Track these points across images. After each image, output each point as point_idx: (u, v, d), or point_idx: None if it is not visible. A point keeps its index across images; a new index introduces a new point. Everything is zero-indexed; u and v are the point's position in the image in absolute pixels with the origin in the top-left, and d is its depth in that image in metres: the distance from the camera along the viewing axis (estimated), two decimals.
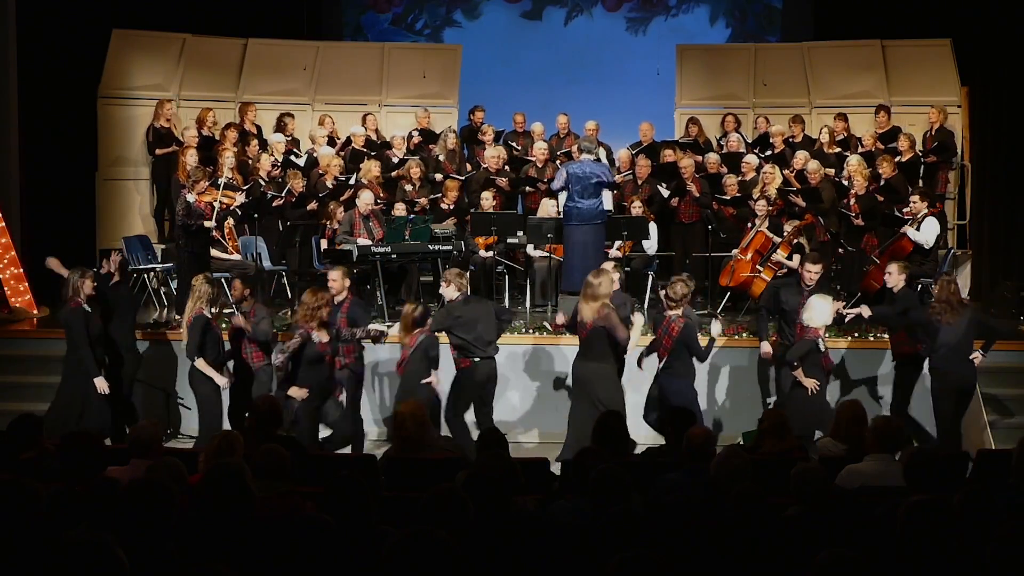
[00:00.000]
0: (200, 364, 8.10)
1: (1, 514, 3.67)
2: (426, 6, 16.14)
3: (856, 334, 9.53)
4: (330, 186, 11.27)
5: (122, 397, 8.74)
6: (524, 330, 9.82)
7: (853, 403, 6.66)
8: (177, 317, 9.91)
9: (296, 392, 7.87)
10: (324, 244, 10.91)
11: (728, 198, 11.20)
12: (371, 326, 8.40)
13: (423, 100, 13.52)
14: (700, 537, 4.18)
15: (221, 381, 8.16)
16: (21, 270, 10.70)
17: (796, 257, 10.04)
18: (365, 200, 10.51)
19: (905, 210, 10.49)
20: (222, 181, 10.50)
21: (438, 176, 12.02)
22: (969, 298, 11.92)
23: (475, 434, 7.86)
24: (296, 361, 7.89)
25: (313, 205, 11.24)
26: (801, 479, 4.76)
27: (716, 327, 8.40)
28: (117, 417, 8.56)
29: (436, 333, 8.24)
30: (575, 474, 5.17)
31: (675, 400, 7.82)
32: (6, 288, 10.61)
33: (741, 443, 8.14)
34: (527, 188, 12.14)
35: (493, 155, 12.07)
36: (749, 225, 10.73)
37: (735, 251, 10.62)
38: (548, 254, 10.76)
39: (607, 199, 10.42)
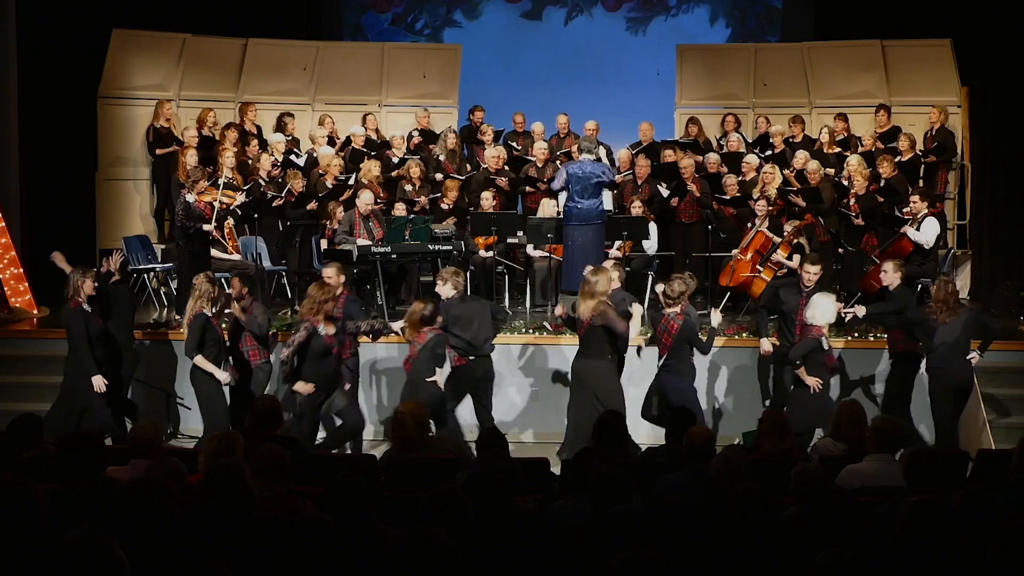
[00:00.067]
0: (199, 361, 8.10)
1: (1, 514, 3.67)
2: (426, 6, 16.14)
3: (856, 334, 9.53)
4: (330, 186, 11.27)
5: (122, 396, 8.75)
6: (524, 330, 9.82)
7: (852, 403, 6.66)
8: (177, 317, 9.92)
9: (302, 387, 7.86)
10: (324, 244, 10.91)
11: (728, 198, 11.20)
12: (374, 321, 8.44)
13: (423, 100, 13.53)
14: (700, 537, 4.18)
15: (222, 376, 8.16)
16: (21, 270, 10.70)
17: (796, 257, 10.04)
18: (365, 200, 10.51)
19: (905, 210, 10.50)
20: (222, 181, 10.50)
21: (438, 176, 12.03)
22: (969, 298, 11.95)
23: (475, 434, 7.86)
24: (301, 355, 7.88)
25: (313, 205, 11.24)
26: (801, 479, 4.76)
27: (716, 317, 8.41)
28: (119, 416, 8.57)
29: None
30: (575, 474, 5.17)
31: (675, 399, 7.83)
32: (6, 288, 10.61)
33: (741, 443, 8.15)
34: (527, 188, 12.14)
35: (493, 155, 12.07)
36: (749, 225, 10.73)
37: (735, 251, 10.62)
38: (548, 254, 10.76)
39: (607, 199, 10.43)
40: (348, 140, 12.55)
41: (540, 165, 12.15)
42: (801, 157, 11.44)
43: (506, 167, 12.15)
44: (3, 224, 10.62)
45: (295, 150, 12.45)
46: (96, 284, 8.38)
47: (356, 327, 8.31)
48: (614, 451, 5.89)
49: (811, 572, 3.52)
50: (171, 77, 13.07)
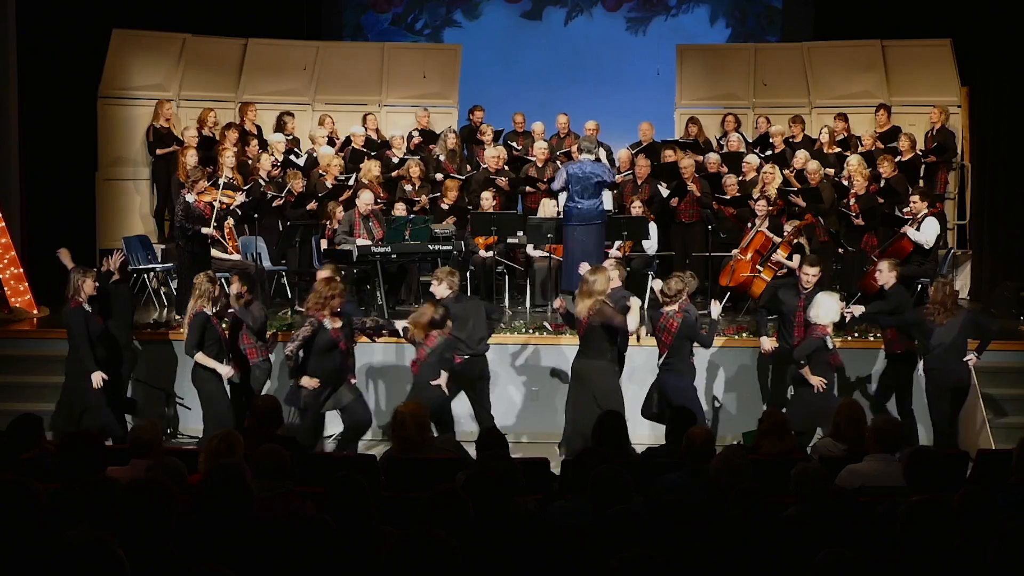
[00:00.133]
0: (200, 358, 8.11)
1: (1, 514, 3.67)
2: (426, 6, 16.14)
3: (856, 334, 9.53)
4: (330, 186, 11.27)
5: (122, 395, 8.76)
6: (524, 330, 9.82)
7: (852, 403, 6.67)
8: (178, 317, 9.92)
9: (307, 382, 7.84)
10: (324, 244, 10.92)
11: (728, 198, 11.20)
12: (379, 319, 8.44)
13: (423, 100, 13.52)
14: (700, 537, 4.18)
15: (224, 371, 8.17)
16: (21, 270, 10.70)
17: (796, 257, 10.04)
18: (365, 200, 10.51)
19: (905, 210, 10.50)
20: (222, 181, 10.50)
21: (438, 176, 12.03)
22: (969, 298, 11.95)
23: (475, 435, 7.86)
24: (307, 350, 7.87)
25: (313, 205, 11.24)
26: (801, 479, 4.76)
27: (716, 309, 8.41)
28: (119, 415, 8.58)
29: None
30: (575, 474, 5.17)
31: (675, 398, 7.84)
32: (6, 288, 10.61)
33: (741, 443, 8.15)
34: (527, 188, 12.14)
35: (493, 155, 12.07)
36: (749, 225, 10.73)
37: (735, 251, 10.62)
38: (548, 254, 10.76)
39: (607, 199, 10.43)
40: (348, 140, 12.55)
41: (540, 165, 12.15)
42: (801, 157, 11.44)
43: (506, 167, 12.15)
44: (3, 224, 10.61)
45: (295, 149, 12.45)
46: (97, 284, 8.39)
47: (362, 323, 8.32)
48: (614, 451, 5.89)
49: (811, 572, 3.52)
50: (171, 77, 13.06)
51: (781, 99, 13.42)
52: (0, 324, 10.27)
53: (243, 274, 8.88)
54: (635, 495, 4.75)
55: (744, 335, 9.61)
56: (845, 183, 11.07)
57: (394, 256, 10.20)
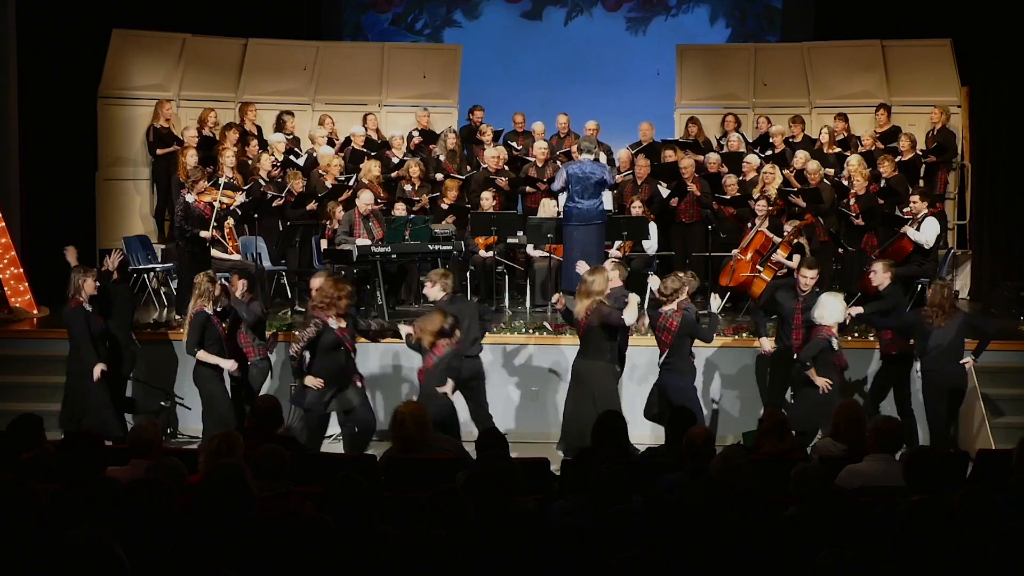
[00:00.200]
0: (202, 355, 8.12)
1: (1, 514, 3.67)
2: (426, 6, 16.14)
3: (856, 334, 9.53)
4: (329, 186, 11.27)
5: (122, 395, 8.76)
6: (524, 330, 9.82)
7: (852, 403, 6.68)
8: (178, 317, 9.93)
9: (312, 382, 7.81)
10: (324, 244, 10.92)
11: (728, 198, 11.20)
12: (383, 321, 8.43)
13: (423, 100, 13.53)
14: (700, 537, 4.18)
15: (228, 364, 8.18)
16: (21, 270, 10.70)
17: (796, 257, 10.05)
18: (365, 200, 10.51)
19: (905, 210, 10.50)
20: (222, 181, 10.50)
21: (438, 176, 12.03)
22: (969, 298, 11.96)
23: (474, 435, 7.85)
24: (312, 351, 7.84)
25: (313, 205, 11.24)
26: (801, 479, 4.76)
27: (715, 302, 8.42)
28: (120, 415, 8.59)
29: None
30: (575, 474, 5.17)
31: (675, 397, 7.85)
32: (6, 288, 10.61)
33: (741, 443, 8.15)
34: (527, 188, 12.14)
35: (493, 155, 12.07)
36: (749, 225, 10.73)
37: (735, 251, 10.62)
38: (548, 254, 10.76)
39: (607, 199, 10.43)
40: (348, 140, 12.55)
41: (540, 165, 12.15)
42: (801, 157, 11.44)
43: (506, 167, 12.15)
44: (3, 224, 10.62)
45: (295, 149, 12.45)
46: (98, 283, 8.40)
47: (367, 325, 8.28)
48: (614, 451, 5.89)
49: (811, 572, 3.52)
50: (171, 77, 13.06)
51: (781, 99, 13.42)
52: (0, 324, 10.27)
53: (244, 274, 8.87)
54: (635, 495, 4.74)
55: (744, 335, 9.60)
56: (845, 183, 11.07)
57: (394, 256, 10.20)
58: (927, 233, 10.13)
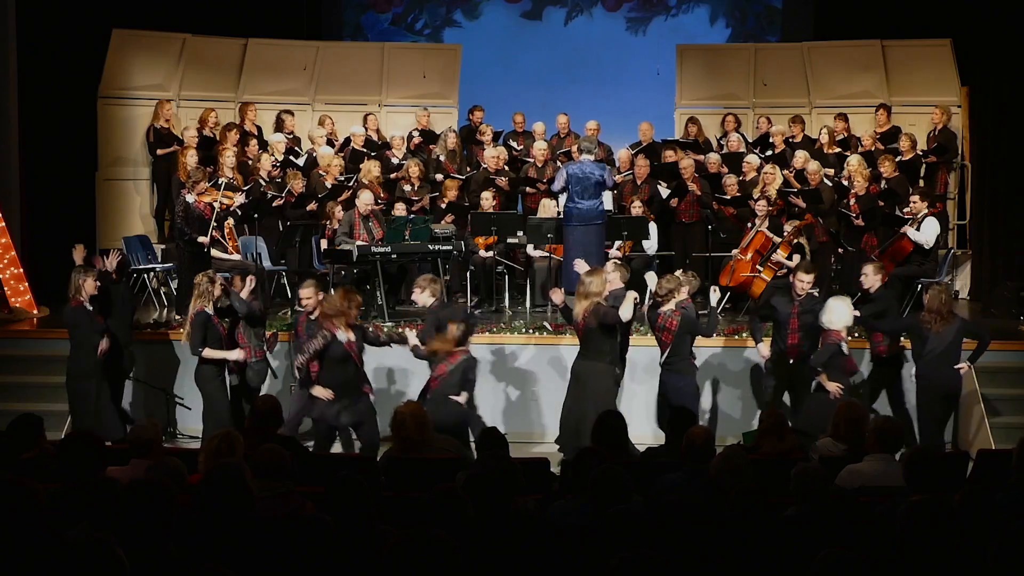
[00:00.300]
0: (207, 353, 8.12)
1: (1, 514, 3.67)
2: (426, 6, 16.14)
3: (856, 334, 9.52)
4: (329, 186, 11.27)
5: (121, 395, 8.78)
6: (524, 330, 9.82)
7: (852, 403, 6.67)
8: (178, 317, 9.93)
9: (320, 392, 7.68)
10: (324, 244, 10.92)
11: (728, 198, 11.20)
12: (393, 332, 8.39)
13: (423, 100, 13.53)
14: (700, 537, 4.18)
15: (233, 355, 8.18)
16: (21, 270, 10.70)
17: (796, 257, 10.05)
18: (364, 200, 10.50)
19: (905, 210, 10.50)
20: (222, 181, 10.50)
21: (438, 176, 12.03)
22: (969, 298, 11.96)
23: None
24: (320, 361, 7.72)
25: (313, 206, 11.24)
26: (801, 479, 4.76)
27: (715, 296, 8.43)
28: (120, 415, 8.60)
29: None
30: (575, 474, 5.17)
31: (675, 398, 7.86)
32: (6, 288, 10.60)
33: (741, 443, 8.15)
34: (527, 188, 12.14)
35: (493, 155, 12.07)
36: (749, 225, 10.73)
37: (735, 251, 10.62)
38: (548, 254, 10.76)
39: (607, 199, 10.43)
40: (348, 140, 12.55)
41: (540, 165, 12.15)
42: (801, 157, 11.43)
43: (506, 167, 12.15)
44: (3, 224, 10.61)
45: (296, 148, 12.45)
46: (99, 283, 8.40)
47: (375, 335, 8.17)
48: (614, 451, 5.89)
49: (811, 572, 3.52)
50: (171, 77, 13.06)
51: (781, 99, 13.42)
52: (0, 324, 10.27)
53: (245, 273, 8.88)
54: (635, 495, 4.74)
55: (744, 335, 9.60)
56: (845, 183, 11.07)
57: (394, 256, 10.20)
58: (927, 233, 10.13)
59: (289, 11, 14.81)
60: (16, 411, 6.60)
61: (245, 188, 11.13)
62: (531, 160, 12.33)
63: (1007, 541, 3.69)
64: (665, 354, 8.08)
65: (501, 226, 10.75)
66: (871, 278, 8.60)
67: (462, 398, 7.87)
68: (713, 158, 11.90)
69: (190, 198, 10.06)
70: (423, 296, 8.32)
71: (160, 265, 11.66)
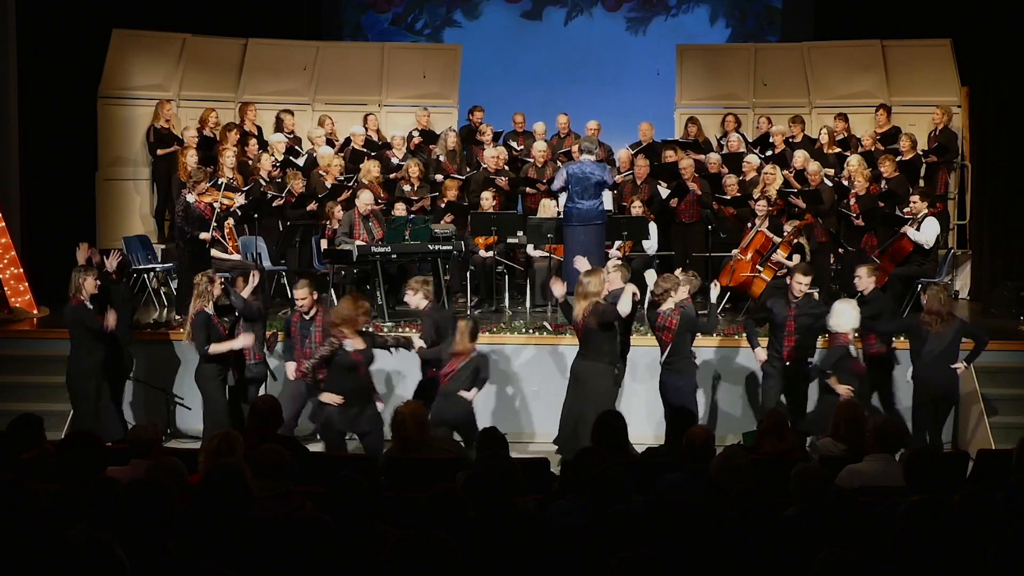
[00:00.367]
0: (214, 348, 8.12)
1: (1, 514, 3.67)
2: (426, 6, 16.14)
3: (856, 334, 9.52)
4: (329, 186, 11.27)
5: (121, 395, 8.78)
6: (524, 330, 9.82)
7: (852, 403, 6.68)
8: (178, 317, 9.93)
9: (329, 398, 7.59)
10: (324, 244, 10.92)
11: (728, 198, 11.20)
12: (400, 336, 8.40)
13: (423, 100, 13.53)
14: (700, 537, 4.18)
15: (240, 342, 8.19)
16: (21, 270, 10.69)
17: (796, 257, 10.04)
18: (364, 200, 10.51)
19: (905, 210, 10.50)
20: (222, 182, 10.50)
21: (438, 177, 12.03)
22: (969, 298, 11.96)
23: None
24: (327, 368, 7.68)
25: (313, 206, 11.24)
26: (801, 479, 4.76)
27: (715, 292, 8.43)
28: (120, 415, 8.60)
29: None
30: (575, 474, 5.17)
31: (674, 398, 7.85)
32: (6, 288, 10.60)
33: (741, 443, 8.15)
34: (527, 188, 12.14)
35: (493, 155, 12.07)
36: (749, 225, 10.73)
37: (735, 251, 10.62)
38: (548, 254, 10.76)
39: (607, 199, 10.43)
40: (348, 140, 12.55)
41: (540, 165, 12.15)
42: (801, 157, 11.43)
43: (506, 167, 12.15)
44: (3, 224, 10.61)
45: (296, 148, 12.45)
46: (99, 282, 8.41)
47: (383, 341, 8.12)
48: (614, 451, 5.89)
49: (811, 572, 3.52)
50: (171, 77, 13.06)
51: (781, 99, 13.42)
52: (0, 324, 10.27)
53: (247, 273, 8.88)
54: (635, 495, 4.74)
55: (744, 335, 9.59)
56: (845, 183, 11.07)
57: (394, 256, 10.20)
58: (927, 233, 10.13)
59: (289, 11, 14.82)
60: (16, 411, 6.60)
61: (245, 188, 11.13)
62: (531, 160, 12.33)
63: (1007, 541, 3.69)
64: (665, 353, 8.08)
65: (501, 226, 10.75)
66: (864, 280, 8.60)
67: (471, 395, 7.88)
68: (713, 158, 11.90)
69: (191, 198, 10.06)
70: (415, 298, 8.34)
71: (160, 265, 11.66)
